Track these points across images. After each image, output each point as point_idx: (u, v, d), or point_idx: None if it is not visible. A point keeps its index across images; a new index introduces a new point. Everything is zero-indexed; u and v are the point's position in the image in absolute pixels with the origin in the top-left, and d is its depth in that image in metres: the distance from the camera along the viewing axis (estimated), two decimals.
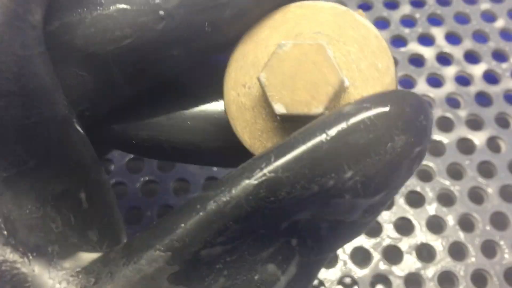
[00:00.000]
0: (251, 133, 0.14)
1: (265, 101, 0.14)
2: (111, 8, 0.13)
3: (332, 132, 0.11)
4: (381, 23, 0.33)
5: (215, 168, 0.28)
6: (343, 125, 0.11)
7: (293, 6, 0.14)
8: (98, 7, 0.13)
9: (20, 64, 0.12)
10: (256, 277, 0.12)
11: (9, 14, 0.12)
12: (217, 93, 0.16)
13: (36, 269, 0.12)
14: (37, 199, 0.12)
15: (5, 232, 0.12)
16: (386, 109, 0.11)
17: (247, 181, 0.11)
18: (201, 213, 0.12)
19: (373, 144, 0.11)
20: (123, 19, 0.13)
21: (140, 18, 0.13)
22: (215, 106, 0.16)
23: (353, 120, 0.11)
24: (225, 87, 0.14)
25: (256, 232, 0.12)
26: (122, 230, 0.14)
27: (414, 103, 0.12)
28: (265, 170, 0.11)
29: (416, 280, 0.25)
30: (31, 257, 0.12)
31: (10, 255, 0.12)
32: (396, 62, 0.31)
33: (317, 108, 0.13)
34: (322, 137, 0.11)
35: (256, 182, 0.11)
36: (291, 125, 0.14)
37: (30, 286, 0.12)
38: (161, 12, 0.13)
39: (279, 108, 0.13)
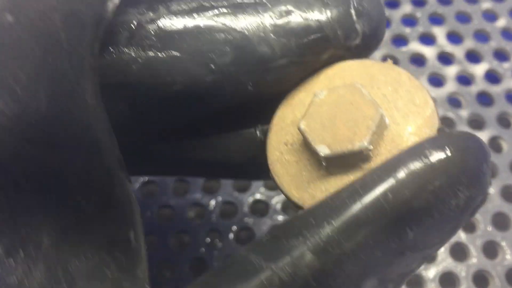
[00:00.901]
0: (298, 186, 0.14)
1: (308, 150, 0.14)
2: (165, 53, 0.13)
3: (395, 196, 0.11)
4: None
5: None
6: (406, 189, 0.11)
7: (324, 69, 0.15)
8: (153, 49, 0.13)
9: (89, 114, 0.12)
10: None
11: (84, 63, 0.12)
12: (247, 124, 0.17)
13: None
14: (92, 246, 0.12)
15: (65, 285, 0.12)
16: (450, 164, 0.11)
17: (311, 256, 0.11)
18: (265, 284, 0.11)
19: (437, 206, 0.11)
20: (175, 66, 0.14)
21: (191, 68, 0.14)
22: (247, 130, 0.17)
23: (416, 181, 0.11)
24: (268, 150, 0.15)
25: None
26: (146, 261, 0.14)
27: (476, 151, 0.11)
28: (328, 245, 0.11)
29: (417, 281, 0.25)
30: None
31: None
32: (396, 61, 0.31)
33: (360, 142, 0.13)
34: (385, 201, 0.11)
35: (320, 257, 0.11)
36: (338, 170, 0.14)
37: None
38: (212, 66, 0.14)
39: (323, 150, 0.13)
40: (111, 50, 0.14)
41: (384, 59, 0.31)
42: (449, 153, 0.11)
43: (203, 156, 0.17)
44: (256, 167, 0.16)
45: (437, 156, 0.11)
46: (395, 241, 0.11)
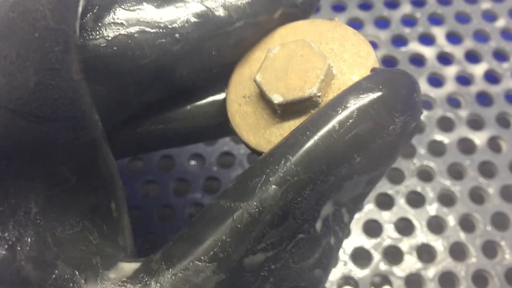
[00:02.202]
0: (255, 133, 0.15)
1: (264, 101, 0.15)
2: (132, 29, 0.14)
3: (342, 127, 0.12)
4: (382, 23, 0.33)
5: (215, 168, 0.28)
6: (350, 119, 0.12)
7: (278, 28, 0.16)
8: (120, 28, 0.14)
9: (75, 89, 0.13)
10: (302, 284, 0.13)
11: (69, 40, 0.12)
12: (214, 92, 0.18)
13: (87, 282, 0.13)
14: (76, 214, 0.13)
15: (55, 248, 0.12)
16: (385, 94, 0.13)
17: (273, 188, 0.12)
18: (238, 225, 0.12)
19: (377, 130, 0.12)
20: (143, 40, 0.14)
21: (159, 39, 0.14)
22: (214, 97, 0.18)
23: (358, 111, 0.12)
24: (227, 103, 0.16)
25: (296, 237, 0.13)
26: (130, 232, 0.15)
27: (406, 83, 0.13)
28: (288, 176, 0.12)
29: (416, 281, 0.25)
30: (80, 270, 0.13)
31: (63, 270, 0.12)
32: (396, 61, 0.31)
33: (310, 89, 0.14)
34: (333, 132, 0.12)
35: (282, 188, 0.12)
36: (291, 117, 0.15)
37: None
38: (177, 35, 0.14)
39: (277, 98, 0.14)
40: (80, 33, 0.14)
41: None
42: (385, 86, 0.13)
43: (179, 126, 0.18)
44: (224, 128, 0.17)
45: (374, 89, 0.13)
46: (345, 166, 0.12)
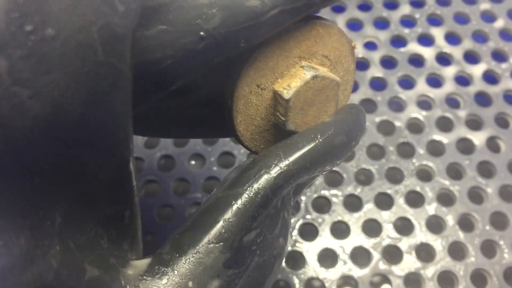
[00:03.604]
0: (247, 126, 0.16)
1: (273, 107, 0.16)
2: (152, 29, 0.13)
3: (325, 137, 0.15)
4: (381, 23, 0.33)
5: (215, 168, 0.28)
6: (330, 131, 0.15)
7: (318, 24, 0.16)
8: (140, 28, 0.13)
9: (118, 121, 0.13)
10: (275, 252, 0.15)
11: (117, 74, 0.12)
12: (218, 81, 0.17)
13: (113, 280, 0.13)
14: (92, 221, 0.14)
15: (78, 253, 0.13)
16: (355, 118, 0.16)
17: (267, 176, 0.14)
18: (238, 206, 0.14)
19: (348, 144, 0.16)
20: (164, 40, 0.13)
21: (181, 39, 0.13)
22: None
23: (336, 126, 0.16)
24: (239, 81, 0.15)
25: (271, 213, 0.15)
26: (141, 237, 0.15)
27: (362, 111, 0.17)
28: (280, 165, 0.15)
29: (416, 280, 0.25)
30: (104, 271, 0.13)
31: (91, 271, 0.13)
32: (395, 62, 0.31)
33: None
34: (317, 140, 0.15)
35: (275, 175, 0.14)
36: (279, 128, 0.16)
37: None
38: (202, 33, 0.13)
39: (291, 127, 0.16)
40: None
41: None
42: (353, 113, 0.17)
43: (182, 113, 0.18)
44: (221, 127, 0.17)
45: (348, 113, 0.17)
46: (320, 168, 0.15)
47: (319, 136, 0.15)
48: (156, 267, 0.14)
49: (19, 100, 0.11)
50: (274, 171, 0.14)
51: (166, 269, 0.14)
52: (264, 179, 0.14)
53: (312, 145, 0.15)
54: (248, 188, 0.14)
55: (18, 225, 0.13)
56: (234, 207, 0.14)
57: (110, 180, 0.14)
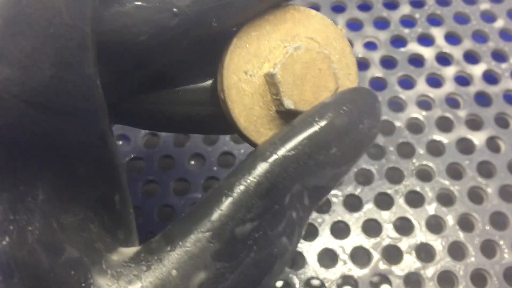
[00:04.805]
0: (247, 117, 0.16)
1: (268, 91, 0.16)
2: (128, 5, 0.14)
3: (323, 118, 0.14)
4: (381, 23, 0.33)
5: (215, 168, 0.28)
6: (330, 113, 0.14)
7: (291, 8, 0.16)
8: (115, 4, 0.14)
9: (88, 84, 0.13)
10: (275, 250, 0.14)
11: (84, 36, 0.13)
12: (206, 74, 0.17)
13: (93, 264, 0.13)
14: (80, 202, 0.14)
15: (60, 233, 0.13)
16: (355, 98, 0.15)
17: (263, 163, 0.14)
18: (230, 196, 0.14)
19: (351, 125, 0.15)
20: (139, 16, 0.14)
21: (155, 15, 0.14)
22: (205, 83, 0.18)
23: (335, 107, 0.15)
24: (225, 71, 0.15)
25: (273, 208, 0.14)
26: (135, 227, 0.16)
27: (371, 94, 0.16)
28: (276, 152, 0.14)
29: (415, 280, 0.25)
30: (86, 254, 0.13)
31: (71, 253, 0.13)
32: (395, 62, 0.31)
33: None
34: (315, 123, 0.14)
35: (271, 161, 0.14)
36: (284, 116, 0.16)
37: (90, 278, 0.13)
38: (175, 10, 0.14)
39: (289, 104, 0.15)
40: None
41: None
42: (355, 94, 0.15)
43: (173, 109, 0.18)
44: (223, 121, 0.17)
45: (347, 93, 0.15)
46: (323, 153, 0.14)
47: (316, 119, 0.14)
48: (142, 255, 0.14)
49: None
50: (269, 159, 0.14)
51: (151, 256, 0.13)
52: (258, 168, 0.14)
53: (309, 128, 0.14)
54: (242, 178, 0.14)
55: None
56: (227, 197, 0.14)
57: (91, 154, 0.14)
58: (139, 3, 0.14)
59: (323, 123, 0.14)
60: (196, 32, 0.14)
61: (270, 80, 0.15)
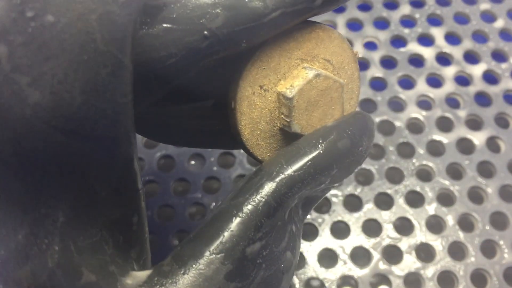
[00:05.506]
0: (252, 130, 0.16)
1: (277, 109, 0.16)
2: (157, 27, 0.13)
3: (327, 141, 0.15)
4: (381, 24, 0.33)
5: (215, 168, 0.28)
6: (333, 136, 0.15)
7: (317, 27, 0.16)
8: (144, 26, 0.13)
9: (118, 111, 0.13)
10: (281, 266, 0.15)
11: (117, 63, 0.12)
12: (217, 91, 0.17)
13: (109, 287, 0.13)
14: (97, 224, 0.13)
15: (78, 256, 0.13)
16: (358, 122, 0.16)
17: (270, 183, 0.14)
18: (240, 216, 0.14)
19: (353, 148, 0.15)
20: (168, 39, 0.13)
21: (185, 38, 0.13)
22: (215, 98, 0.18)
23: (340, 131, 0.15)
24: (241, 81, 0.15)
25: (277, 225, 0.14)
26: (149, 247, 0.15)
27: (369, 118, 0.16)
28: (283, 173, 0.14)
29: (415, 280, 0.25)
30: (102, 277, 0.13)
31: (88, 276, 0.13)
32: (395, 62, 0.31)
33: None
34: (319, 145, 0.15)
35: (277, 183, 0.14)
36: (286, 134, 0.16)
37: None
38: (206, 32, 0.14)
39: (297, 129, 0.16)
40: None
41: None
42: (358, 118, 0.16)
43: (178, 123, 0.18)
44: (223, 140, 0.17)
45: (350, 117, 0.16)
46: (325, 174, 0.15)
47: (321, 141, 0.15)
48: (156, 279, 0.14)
49: (18, 88, 0.11)
50: (276, 179, 0.14)
51: (165, 280, 0.13)
52: (266, 188, 0.14)
53: (314, 150, 0.15)
54: (250, 198, 0.14)
55: (17, 220, 0.13)
56: (236, 217, 0.14)
57: (115, 178, 0.13)
58: (169, 25, 0.13)
59: (327, 145, 0.15)
60: (225, 52, 0.14)
61: (284, 102, 0.15)
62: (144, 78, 0.14)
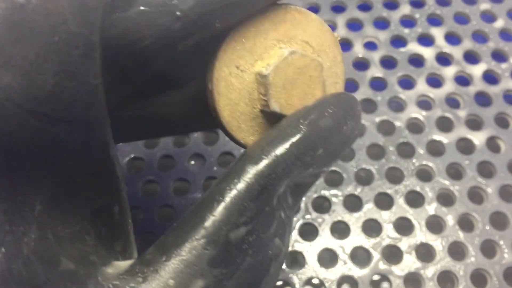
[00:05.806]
0: (232, 112, 0.16)
1: (256, 89, 0.16)
2: (131, 10, 0.13)
3: (308, 121, 0.15)
4: (381, 24, 0.33)
5: (215, 168, 0.28)
6: (314, 114, 0.15)
7: (293, 9, 0.16)
8: (117, 10, 0.13)
9: (91, 93, 0.13)
10: (270, 252, 0.14)
11: (89, 44, 0.12)
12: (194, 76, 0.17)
13: (89, 277, 0.13)
14: (78, 213, 0.13)
15: (56, 245, 0.13)
16: (339, 101, 0.15)
17: (253, 166, 0.14)
18: (223, 201, 0.13)
19: (335, 127, 0.15)
20: (142, 21, 0.13)
21: (158, 19, 0.14)
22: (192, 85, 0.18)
23: (320, 110, 0.15)
24: (217, 62, 0.15)
25: (264, 210, 0.14)
26: (133, 239, 0.15)
27: (352, 98, 0.16)
28: (265, 155, 0.14)
29: (415, 280, 0.25)
30: (81, 266, 0.13)
31: (66, 265, 0.13)
32: (395, 62, 0.31)
33: None
34: (300, 125, 0.14)
35: (260, 164, 0.14)
36: (267, 116, 0.16)
37: None
38: (178, 13, 0.14)
39: (275, 107, 0.15)
40: None
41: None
42: (338, 97, 0.16)
43: (158, 112, 0.18)
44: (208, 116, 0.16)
45: (331, 97, 0.16)
46: (310, 154, 0.14)
47: (301, 120, 0.15)
48: (137, 267, 0.13)
49: None
50: (259, 162, 0.14)
51: (147, 268, 0.13)
52: (248, 171, 0.14)
53: (295, 130, 0.14)
54: (233, 182, 0.14)
55: None
56: (220, 202, 0.14)
57: (91, 165, 0.13)
58: (142, 8, 0.13)
59: (308, 124, 0.14)
60: (199, 33, 0.14)
61: (261, 80, 0.15)
62: (122, 64, 0.14)
